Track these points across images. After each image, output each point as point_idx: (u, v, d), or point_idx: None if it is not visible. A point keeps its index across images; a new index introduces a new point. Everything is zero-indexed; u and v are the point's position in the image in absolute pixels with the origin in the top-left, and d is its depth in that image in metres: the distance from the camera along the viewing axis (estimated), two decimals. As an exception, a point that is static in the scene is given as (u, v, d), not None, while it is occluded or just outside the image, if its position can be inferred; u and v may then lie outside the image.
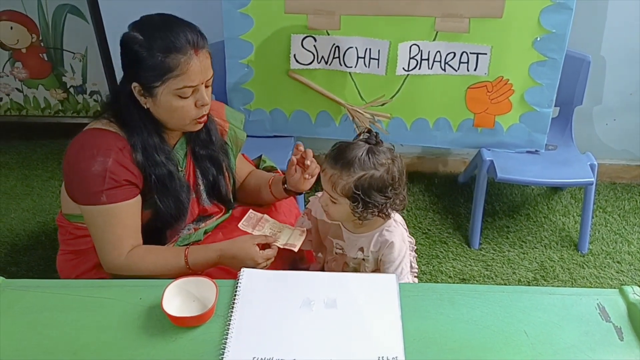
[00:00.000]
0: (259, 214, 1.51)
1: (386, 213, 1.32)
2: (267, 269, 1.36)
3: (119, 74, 2.43)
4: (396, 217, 1.41)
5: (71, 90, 2.79)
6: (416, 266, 1.49)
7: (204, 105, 1.35)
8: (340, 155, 1.28)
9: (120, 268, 1.37)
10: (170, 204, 1.41)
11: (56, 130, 2.81)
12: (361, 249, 1.40)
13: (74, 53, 2.67)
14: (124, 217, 1.35)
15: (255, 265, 1.34)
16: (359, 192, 1.26)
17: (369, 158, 1.26)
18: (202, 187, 1.53)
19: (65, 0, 2.53)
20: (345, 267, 1.45)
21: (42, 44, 2.66)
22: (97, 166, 1.30)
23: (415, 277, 1.47)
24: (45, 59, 2.70)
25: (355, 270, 1.44)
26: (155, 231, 1.45)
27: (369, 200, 1.27)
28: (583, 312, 1.14)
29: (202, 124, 1.41)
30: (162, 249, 1.44)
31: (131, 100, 1.34)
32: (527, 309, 1.14)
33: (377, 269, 1.42)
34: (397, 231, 1.38)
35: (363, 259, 1.41)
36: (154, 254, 1.40)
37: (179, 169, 1.46)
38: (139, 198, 1.38)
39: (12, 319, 1.12)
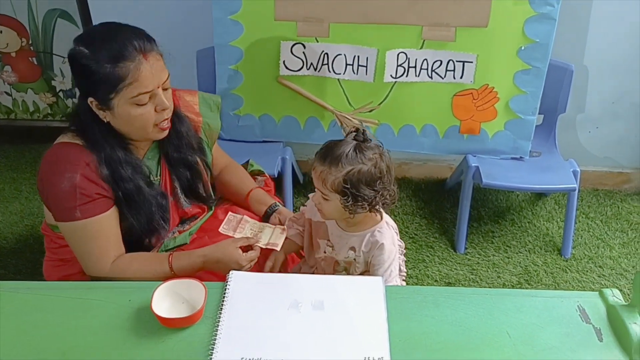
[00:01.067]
0: (239, 216, 1.52)
1: (377, 207, 1.34)
2: (252, 270, 1.37)
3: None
4: (388, 220, 1.43)
5: (60, 94, 2.78)
6: (405, 269, 1.51)
7: (165, 109, 1.32)
8: (328, 152, 1.31)
9: (105, 276, 1.36)
10: (141, 218, 1.38)
11: (45, 134, 2.74)
12: (352, 249, 1.42)
13: (64, 57, 2.66)
14: (103, 229, 1.34)
15: (239, 268, 1.34)
16: (349, 186, 1.28)
17: (357, 153, 1.29)
18: (179, 191, 1.52)
19: (56, 4, 2.53)
20: (336, 267, 1.47)
21: (31, 48, 2.66)
22: (65, 182, 1.28)
23: (403, 280, 1.49)
24: (35, 63, 2.70)
25: (346, 270, 1.46)
26: (137, 240, 1.43)
27: (358, 194, 1.28)
28: (564, 314, 1.16)
29: (166, 131, 1.37)
30: (147, 256, 1.42)
31: (91, 115, 1.31)
32: (509, 311, 1.16)
33: (366, 270, 1.44)
34: (388, 233, 1.40)
35: (354, 259, 1.43)
36: (138, 261, 1.38)
37: (154, 177, 1.44)
38: (114, 209, 1.35)
39: (1, 320, 1.12)
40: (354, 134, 1.33)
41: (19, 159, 2.72)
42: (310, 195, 1.49)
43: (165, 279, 1.21)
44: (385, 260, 1.39)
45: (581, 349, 1.08)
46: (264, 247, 1.42)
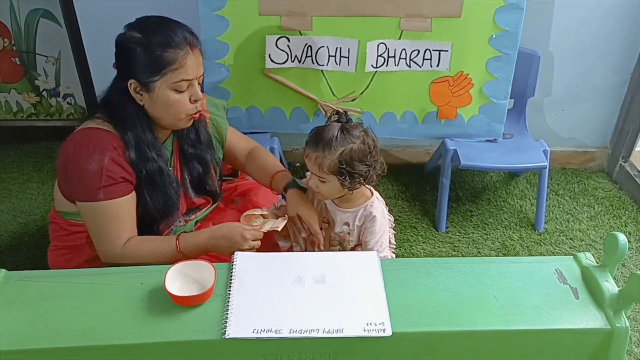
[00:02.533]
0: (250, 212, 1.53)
1: (371, 180, 1.43)
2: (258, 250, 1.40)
3: (95, 75, 2.46)
4: (378, 195, 1.52)
5: (44, 93, 2.75)
6: (394, 242, 1.59)
7: (198, 100, 1.39)
8: (319, 138, 1.38)
9: (116, 258, 1.40)
10: (158, 199, 1.44)
11: (29, 133, 2.78)
12: (347, 224, 1.50)
13: (47, 57, 2.64)
14: (121, 212, 1.38)
15: (243, 241, 1.37)
16: (344, 166, 1.37)
17: (345, 135, 1.37)
18: (188, 182, 1.56)
19: (38, 4, 2.51)
20: (331, 242, 1.54)
21: (14, 48, 2.62)
22: (94, 164, 1.32)
23: (393, 252, 1.58)
24: (18, 62, 2.66)
25: (340, 244, 1.53)
26: (148, 225, 1.47)
27: (353, 171, 1.38)
28: (543, 276, 1.24)
29: (191, 121, 1.44)
30: (155, 238, 1.47)
31: (127, 97, 1.37)
32: (494, 276, 1.23)
33: (358, 245, 1.52)
34: (379, 207, 1.50)
35: (348, 233, 1.50)
36: (148, 242, 1.42)
37: (169, 166, 1.49)
38: (134, 194, 1.40)
39: (19, 307, 1.14)
40: (336, 117, 1.41)
41: (4, 159, 2.69)
42: (304, 180, 1.56)
43: (173, 260, 1.25)
44: (377, 231, 1.47)
45: (560, 307, 1.16)
46: (266, 231, 1.46)
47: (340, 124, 1.40)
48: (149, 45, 1.31)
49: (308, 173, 1.51)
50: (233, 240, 1.38)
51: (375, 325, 1.10)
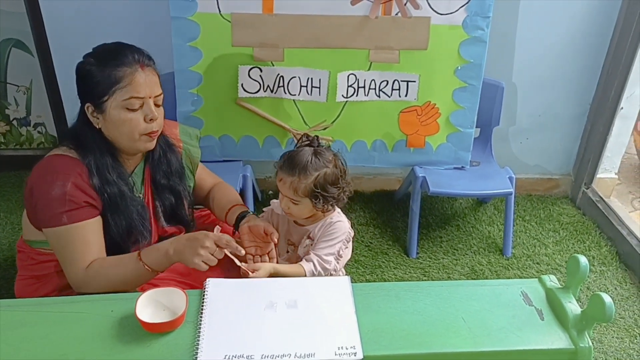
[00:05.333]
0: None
1: (341, 201, 1.46)
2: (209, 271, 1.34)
3: (67, 104, 2.46)
4: (339, 211, 1.54)
5: (14, 122, 2.73)
6: (347, 255, 1.54)
7: (153, 119, 1.38)
8: (293, 164, 1.41)
9: (82, 280, 1.37)
10: (121, 222, 1.42)
11: (-2, 162, 2.75)
12: (309, 237, 1.51)
13: (18, 86, 2.64)
14: (85, 235, 1.36)
15: (205, 238, 1.30)
16: (319, 190, 1.40)
17: (318, 159, 1.41)
18: (160, 211, 1.56)
19: (10, 34, 2.51)
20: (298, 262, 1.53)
21: (-15, 77, 2.61)
22: (57, 190, 1.32)
23: (337, 263, 1.51)
24: (-12, 91, 2.65)
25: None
26: (116, 251, 1.44)
27: (327, 194, 1.41)
28: (510, 299, 1.26)
29: (153, 141, 1.42)
30: (117, 256, 1.42)
31: (85, 123, 1.38)
32: (462, 299, 1.25)
33: None
34: (342, 217, 1.53)
35: (310, 244, 1.51)
36: (109, 261, 1.39)
37: (138, 193, 1.48)
38: (99, 218, 1.39)
39: None
40: (307, 141, 1.44)
41: (-28, 188, 2.62)
42: (272, 202, 1.58)
43: (139, 275, 1.23)
44: (333, 233, 1.48)
45: (526, 327, 1.19)
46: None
47: (312, 148, 1.43)
48: (99, 67, 1.33)
49: (275, 200, 1.51)
50: (196, 240, 1.32)
51: (347, 349, 1.10)
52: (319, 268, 1.47)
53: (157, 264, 1.36)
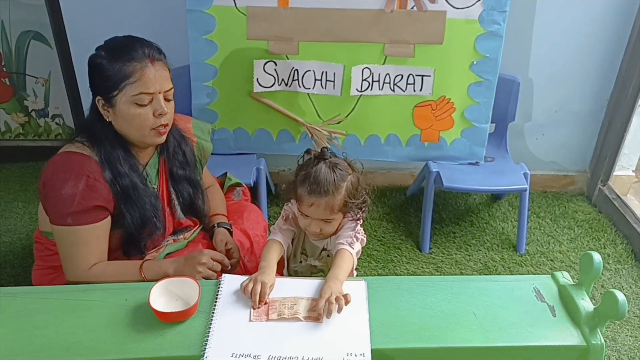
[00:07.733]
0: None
1: (368, 203, 1.44)
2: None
3: (84, 97, 2.49)
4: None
5: (33, 114, 2.77)
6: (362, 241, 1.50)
7: (162, 114, 1.38)
8: (319, 185, 1.34)
9: (81, 280, 1.39)
10: (134, 213, 1.43)
11: (17, 153, 2.79)
12: (325, 249, 1.50)
13: (37, 77, 2.67)
14: (89, 238, 1.38)
15: (202, 257, 1.39)
16: (351, 199, 1.38)
17: (340, 170, 1.38)
18: (176, 203, 1.57)
19: (30, 27, 2.54)
20: (312, 270, 1.53)
21: (4, 68, 2.65)
22: (67, 189, 1.33)
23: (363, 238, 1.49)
24: (7, 83, 2.68)
25: (322, 272, 1.52)
26: (132, 242, 1.47)
27: (357, 200, 1.39)
28: (522, 295, 1.26)
29: (163, 136, 1.43)
30: (121, 262, 1.46)
31: (97, 116, 1.40)
32: (474, 294, 1.26)
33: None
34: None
35: (328, 256, 1.49)
36: (113, 266, 1.42)
37: (151, 185, 1.50)
38: (106, 221, 1.40)
39: (2, 322, 1.14)
40: (317, 157, 1.40)
41: (-9, 179, 2.67)
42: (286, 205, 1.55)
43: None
44: (346, 229, 1.44)
45: (538, 323, 1.19)
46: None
47: (325, 162, 1.38)
48: (110, 60, 1.34)
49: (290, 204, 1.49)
50: (191, 256, 1.40)
51: (356, 356, 1.09)
52: (356, 243, 1.42)
53: (155, 277, 1.38)
